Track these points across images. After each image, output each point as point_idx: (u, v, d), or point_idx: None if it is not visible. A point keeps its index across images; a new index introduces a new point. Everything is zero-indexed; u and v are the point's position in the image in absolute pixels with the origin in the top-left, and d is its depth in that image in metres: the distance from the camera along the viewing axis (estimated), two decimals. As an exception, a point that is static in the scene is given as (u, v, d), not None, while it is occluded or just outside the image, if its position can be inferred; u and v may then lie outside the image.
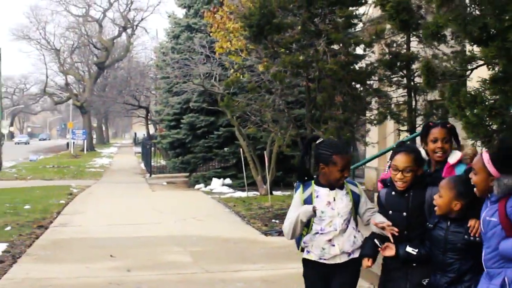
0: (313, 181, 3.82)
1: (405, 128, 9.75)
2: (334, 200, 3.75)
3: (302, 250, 3.92)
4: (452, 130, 4.02)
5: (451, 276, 3.46)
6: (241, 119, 13.44)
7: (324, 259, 3.77)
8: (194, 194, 17.05)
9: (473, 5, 2.80)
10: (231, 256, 8.06)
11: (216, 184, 17.84)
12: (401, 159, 3.65)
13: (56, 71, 58.97)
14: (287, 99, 11.35)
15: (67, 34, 55.98)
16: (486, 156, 3.19)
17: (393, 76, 9.74)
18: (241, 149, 15.45)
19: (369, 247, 3.73)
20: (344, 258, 3.76)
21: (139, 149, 44.40)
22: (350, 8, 9.81)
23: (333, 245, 3.74)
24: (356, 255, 3.79)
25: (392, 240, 3.64)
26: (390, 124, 11.26)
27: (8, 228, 10.40)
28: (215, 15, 11.88)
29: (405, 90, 9.83)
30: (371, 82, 10.06)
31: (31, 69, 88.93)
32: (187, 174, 21.43)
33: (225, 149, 18.40)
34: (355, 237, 3.78)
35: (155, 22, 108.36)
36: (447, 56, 5.23)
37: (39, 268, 7.59)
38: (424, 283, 3.61)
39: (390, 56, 9.65)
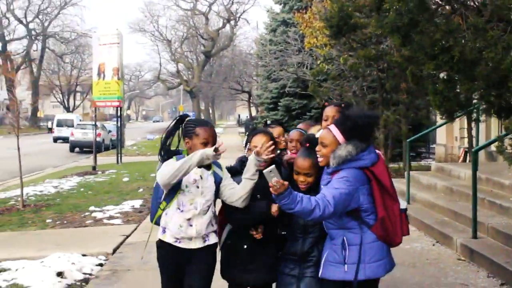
0: (186, 155, 3.60)
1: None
2: (201, 178, 3.61)
3: (157, 223, 3.70)
4: (346, 110, 3.96)
5: (313, 237, 3.61)
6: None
7: (179, 242, 3.60)
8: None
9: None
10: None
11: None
12: (259, 139, 3.69)
13: (168, 59, 62.49)
14: (363, 85, 13.20)
15: (177, 26, 59.44)
16: (334, 128, 3.41)
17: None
18: (329, 129, 17.24)
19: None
20: (199, 243, 3.61)
21: (242, 129, 47.00)
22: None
23: (191, 225, 3.58)
24: (211, 241, 3.67)
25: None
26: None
27: (141, 190, 13.14)
28: (304, 16, 13.88)
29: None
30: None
31: (145, 58, 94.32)
32: (284, 150, 23.59)
33: (316, 128, 20.34)
34: (212, 223, 3.67)
35: (256, 13, 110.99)
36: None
37: (167, 216, 10.11)
38: (279, 254, 3.74)
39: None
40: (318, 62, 14.99)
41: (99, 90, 21.66)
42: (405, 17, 4.19)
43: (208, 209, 3.64)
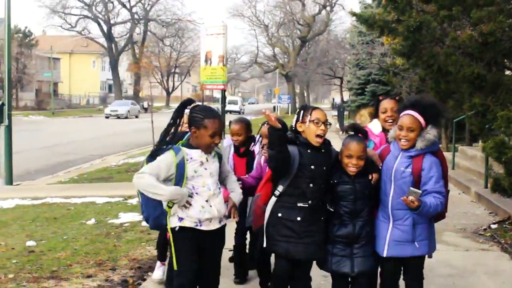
0: (181, 146, 3.64)
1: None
2: (207, 160, 3.65)
3: (157, 227, 3.83)
4: (401, 102, 4.21)
5: (362, 220, 3.74)
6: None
7: (200, 225, 3.63)
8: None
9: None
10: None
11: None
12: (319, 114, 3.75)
13: (264, 43, 63.90)
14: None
15: (274, 12, 60.78)
16: (417, 114, 3.61)
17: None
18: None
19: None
20: (216, 224, 3.69)
21: (335, 112, 48.97)
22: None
23: (211, 206, 3.63)
24: (224, 221, 3.77)
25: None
26: None
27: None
28: (383, 15, 16.08)
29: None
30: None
31: (242, 41, 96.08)
32: (368, 131, 25.92)
33: (399, 112, 22.57)
34: (224, 203, 3.73)
35: None
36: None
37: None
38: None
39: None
40: (394, 56, 17.21)
41: (206, 75, 24.25)
42: (406, 47, 6.93)
43: (219, 189, 3.74)
